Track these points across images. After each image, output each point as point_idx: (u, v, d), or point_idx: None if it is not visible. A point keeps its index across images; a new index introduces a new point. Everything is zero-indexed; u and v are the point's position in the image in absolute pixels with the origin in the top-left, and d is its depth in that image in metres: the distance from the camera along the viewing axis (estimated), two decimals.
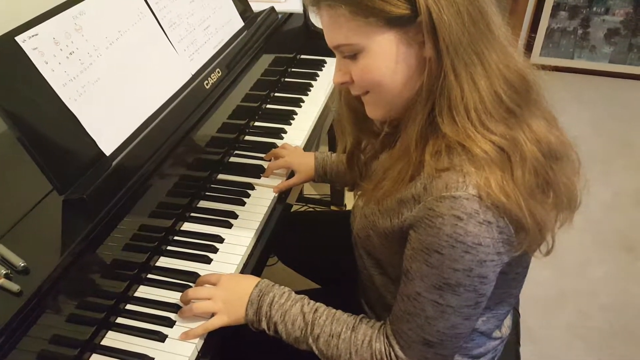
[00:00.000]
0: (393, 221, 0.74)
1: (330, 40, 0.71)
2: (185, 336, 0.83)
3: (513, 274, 0.80)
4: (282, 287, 0.85)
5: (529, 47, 2.78)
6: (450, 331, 0.72)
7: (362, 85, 0.73)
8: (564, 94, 2.29)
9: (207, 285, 0.89)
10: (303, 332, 0.80)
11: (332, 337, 0.78)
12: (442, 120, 0.67)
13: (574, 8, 2.77)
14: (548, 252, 0.76)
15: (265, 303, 0.82)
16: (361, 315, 0.82)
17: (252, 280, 0.86)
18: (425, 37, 0.64)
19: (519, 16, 2.82)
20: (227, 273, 0.93)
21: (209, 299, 0.85)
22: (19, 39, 0.81)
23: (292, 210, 1.22)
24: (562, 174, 0.70)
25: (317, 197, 2.12)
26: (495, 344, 0.89)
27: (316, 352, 0.80)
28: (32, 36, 0.83)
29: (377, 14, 0.65)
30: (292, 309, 0.81)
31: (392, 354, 0.75)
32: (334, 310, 0.82)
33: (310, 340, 0.79)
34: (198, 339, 0.84)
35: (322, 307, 0.82)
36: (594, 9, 2.75)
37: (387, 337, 0.77)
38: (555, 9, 2.80)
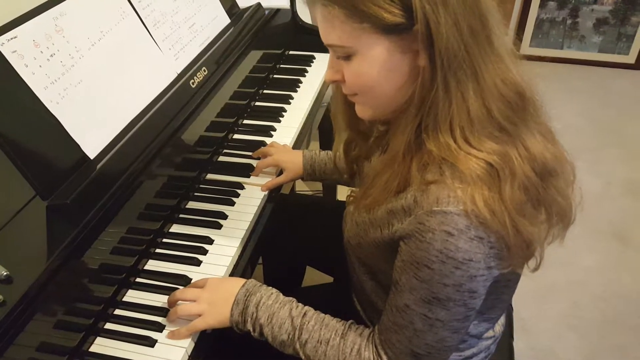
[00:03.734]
0: (383, 232, 0.73)
1: (324, 38, 0.70)
2: (172, 335, 0.82)
3: (505, 281, 0.79)
4: (270, 288, 0.84)
5: (518, 39, 2.78)
6: (438, 344, 0.71)
7: (352, 88, 0.72)
8: (553, 84, 2.29)
9: (193, 287, 0.87)
10: (290, 336, 0.78)
11: (321, 343, 0.77)
12: (428, 136, 0.66)
13: None
14: (536, 268, 0.75)
15: (252, 303, 0.80)
16: (350, 322, 0.81)
17: (238, 281, 0.85)
18: (420, 47, 0.62)
19: (508, 7, 2.81)
20: (215, 276, 0.92)
21: (194, 301, 0.84)
22: None
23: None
24: (555, 192, 0.69)
25: (310, 193, 2.11)
26: (488, 344, 0.89)
27: (302, 358, 0.78)
28: (11, 39, 0.81)
29: (372, 20, 0.63)
30: (280, 311, 0.79)
31: None
32: (323, 314, 0.81)
33: (298, 346, 0.78)
34: (189, 342, 0.82)
35: (310, 311, 0.81)
36: None
37: (376, 347, 0.76)
38: None
